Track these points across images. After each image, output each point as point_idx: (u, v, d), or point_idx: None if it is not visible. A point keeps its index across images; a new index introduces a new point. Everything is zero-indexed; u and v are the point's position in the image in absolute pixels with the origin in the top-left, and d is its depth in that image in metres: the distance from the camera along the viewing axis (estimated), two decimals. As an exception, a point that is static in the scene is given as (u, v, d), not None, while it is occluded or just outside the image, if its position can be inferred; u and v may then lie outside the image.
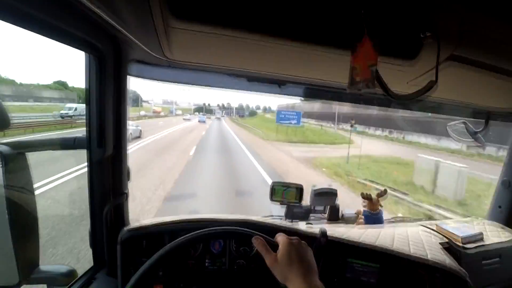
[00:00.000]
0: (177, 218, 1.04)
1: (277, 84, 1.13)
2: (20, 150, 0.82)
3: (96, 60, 0.79)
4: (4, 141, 0.79)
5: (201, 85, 1.14)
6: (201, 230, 0.74)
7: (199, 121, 43.50)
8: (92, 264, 1.00)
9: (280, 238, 0.67)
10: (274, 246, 0.65)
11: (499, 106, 1.29)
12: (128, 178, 1.01)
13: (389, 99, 0.69)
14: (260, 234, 0.70)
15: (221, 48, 0.76)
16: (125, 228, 0.97)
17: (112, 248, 0.95)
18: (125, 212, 1.02)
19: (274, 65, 0.90)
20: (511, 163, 1.51)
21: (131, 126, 16.00)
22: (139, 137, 16.81)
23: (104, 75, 0.81)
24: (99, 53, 0.78)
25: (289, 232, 1.09)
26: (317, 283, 0.59)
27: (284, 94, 1.22)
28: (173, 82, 1.06)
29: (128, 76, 0.92)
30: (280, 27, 0.61)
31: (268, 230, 1.07)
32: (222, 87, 1.17)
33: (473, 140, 1.48)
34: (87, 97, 0.82)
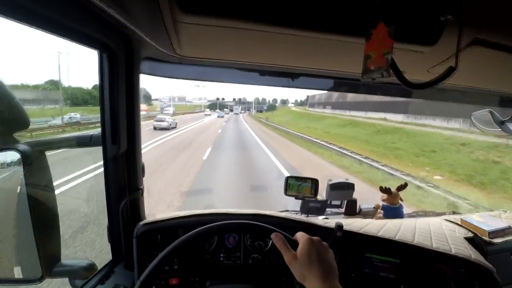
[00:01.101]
0: (191, 212, 1.05)
1: (290, 76, 1.11)
2: (40, 149, 0.85)
3: (108, 58, 0.80)
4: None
5: (213, 80, 1.13)
6: (217, 223, 0.74)
7: (217, 117, 48.54)
8: (111, 257, 1.03)
9: (301, 236, 0.65)
10: (293, 244, 0.64)
11: None
12: (143, 174, 1.02)
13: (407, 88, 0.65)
14: (279, 230, 0.69)
15: (231, 42, 0.75)
16: (141, 223, 0.99)
17: (128, 242, 0.98)
18: (141, 207, 1.04)
19: (286, 57, 0.88)
20: None
21: (170, 119, 24.31)
22: (175, 127, 23.46)
23: (116, 73, 0.82)
24: (110, 51, 0.79)
25: (304, 225, 1.08)
26: (338, 287, 0.56)
27: (298, 87, 1.20)
28: (185, 78, 1.06)
29: (140, 74, 0.93)
30: (291, 16, 0.59)
31: (283, 224, 1.06)
32: (234, 82, 1.16)
33: (500, 129, 1.40)
34: (100, 95, 0.84)
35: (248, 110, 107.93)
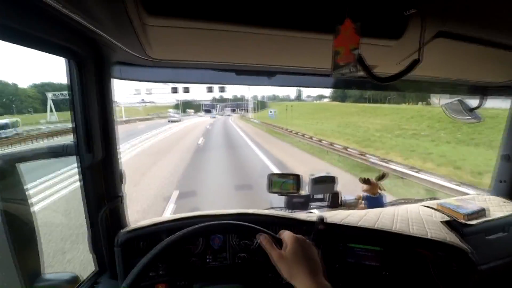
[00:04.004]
0: (174, 216, 1.04)
1: (267, 75, 1.12)
2: (12, 162, 0.83)
3: (77, 66, 0.78)
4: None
5: (189, 82, 1.13)
6: (200, 225, 0.71)
7: (210, 117, 58.40)
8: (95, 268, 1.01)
9: (286, 234, 0.65)
10: (279, 242, 0.64)
11: (494, 80, 1.27)
12: (122, 181, 1.01)
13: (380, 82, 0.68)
14: (264, 229, 0.68)
15: (203, 43, 0.75)
16: (122, 231, 0.98)
17: (111, 251, 0.96)
18: (122, 215, 1.02)
19: (261, 55, 0.89)
20: (510, 137, 1.49)
21: (178, 115, 54.03)
22: (181, 120, 42.68)
23: (86, 79, 0.80)
24: (79, 58, 0.76)
25: (288, 221, 1.09)
26: (325, 282, 0.57)
27: (274, 85, 1.21)
28: (159, 81, 1.06)
29: (112, 79, 0.91)
30: (261, 16, 0.60)
31: (268, 221, 1.07)
32: (211, 83, 1.16)
33: (470, 117, 1.46)
34: (71, 103, 0.81)
35: (234, 111, 79.63)
